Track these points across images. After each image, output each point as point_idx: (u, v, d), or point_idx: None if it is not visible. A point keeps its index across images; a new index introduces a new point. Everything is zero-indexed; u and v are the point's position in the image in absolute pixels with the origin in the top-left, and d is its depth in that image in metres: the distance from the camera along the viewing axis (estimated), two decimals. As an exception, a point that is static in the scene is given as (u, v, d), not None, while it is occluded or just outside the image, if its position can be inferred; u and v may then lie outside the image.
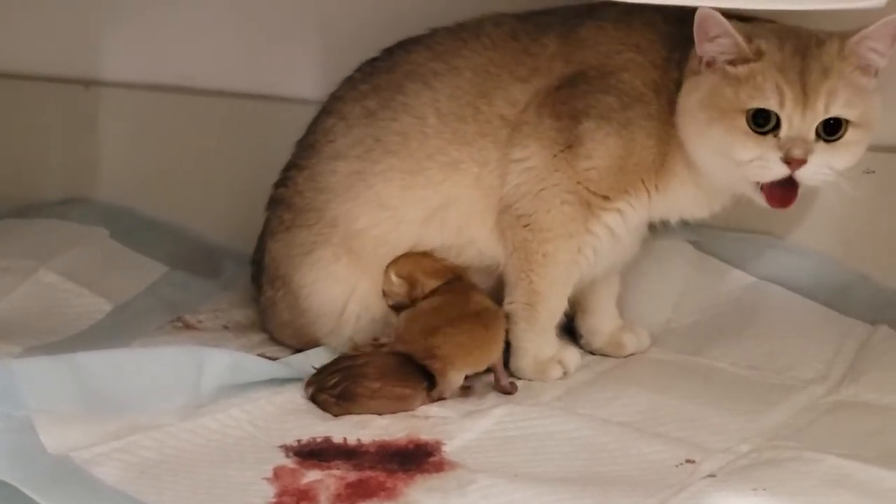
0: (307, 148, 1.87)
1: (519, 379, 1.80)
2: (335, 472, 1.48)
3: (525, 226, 1.77)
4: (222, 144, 2.29)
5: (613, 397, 1.71)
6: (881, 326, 1.91)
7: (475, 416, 1.64)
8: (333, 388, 1.66)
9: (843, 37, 1.64)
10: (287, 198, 1.87)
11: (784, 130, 1.62)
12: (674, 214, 1.83)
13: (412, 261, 1.79)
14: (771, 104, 1.61)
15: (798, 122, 1.61)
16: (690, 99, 1.69)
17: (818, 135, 1.62)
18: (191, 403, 1.61)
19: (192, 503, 1.40)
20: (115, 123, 2.36)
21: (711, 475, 1.47)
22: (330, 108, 1.87)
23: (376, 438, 1.57)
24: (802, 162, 1.61)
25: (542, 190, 1.76)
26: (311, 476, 1.46)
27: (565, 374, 1.82)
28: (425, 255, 1.80)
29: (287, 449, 1.54)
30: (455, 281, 1.79)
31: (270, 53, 2.27)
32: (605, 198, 1.76)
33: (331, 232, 1.82)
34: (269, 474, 1.47)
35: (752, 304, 1.99)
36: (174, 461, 1.49)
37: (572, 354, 1.84)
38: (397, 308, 1.79)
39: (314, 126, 1.89)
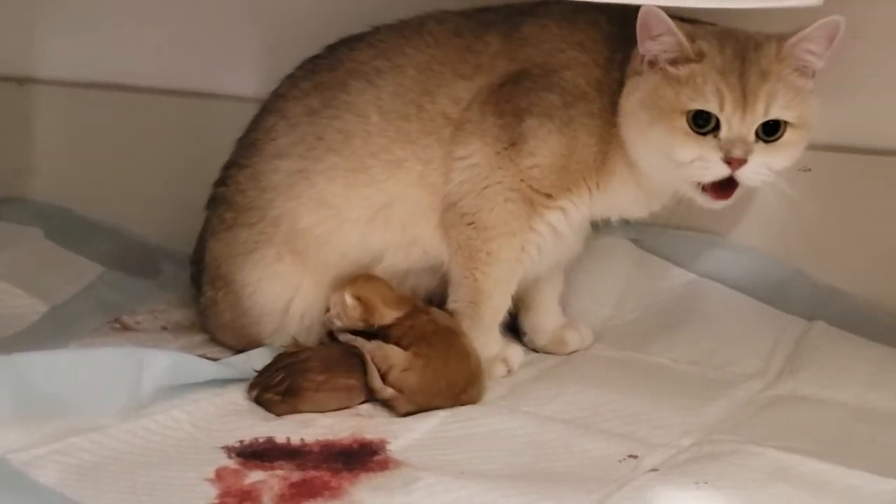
0: (248, 147, 1.86)
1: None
2: (279, 472, 1.47)
3: (469, 224, 1.77)
4: (160, 143, 2.26)
5: (557, 395, 1.72)
6: (818, 322, 1.94)
7: (420, 417, 1.64)
8: (278, 386, 1.65)
9: (781, 39, 1.65)
10: (228, 196, 1.85)
11: (724, 132, 1.63)
12: (615, 213, 1.84)
13: (372, 286, 1.75)
14: (711, 106, 1.63)
15: (738, 124, 1.63)
16: (632, 99, 1.70)
17: (757, 135, 1.64)
18: (131, 405, 1.59)
19: (132, 505, 1.38)
20: (50, 122, 2.33)
21: (654, 470, 1.49)
22: (271, 106, 1.86)
23: (320, 438, 1.56)
24: (743, 162, 1.63)
25: (485, 188, 1.76)
26: (254, 477, 1.45)
27: (509, 371, 1.82)
28: (382, 281, 1.78)
29: (229, 450, 1.53)
30: (416, 313, 1.75)
31: (209, 50, 2.25)
32: (548, 196, 1.76)
33: (274, 231, 1.80)
34: (211, 475, 1.45)
35: (692, 301, 2.01)
36: (114, 463, 1.47)
37: (516, 352, 1.85)
38: (339, 332, 1.75)
39: (255, 124, 1.87)
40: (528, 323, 1.94)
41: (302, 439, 1.56)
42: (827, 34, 1.64)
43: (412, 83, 1.78)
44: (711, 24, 1.72)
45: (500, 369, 1.81)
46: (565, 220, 1.78)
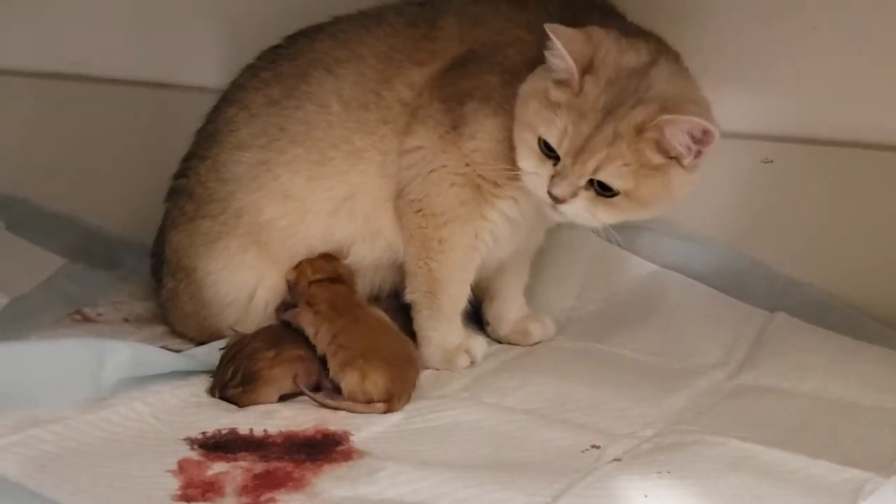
0: (208, 138, 1.85)
1: (427, 369, 1.80)
2: (242, 463, 1.46)
3: (417, 211, 1.77)
4: (119, 134, 2.25)
5: (519, 386, 1.73)
6: (779, 313, 1.95)
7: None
8: (234, 378, 1.64)
9: (665, 107, 1.57)
10: (189, 188, 1.84)
11: (558, 167, 1.63)
12: None
13: (314, 259, 1.79)
14: (553, 141, 1.62)
15: (569, 168, 1.61)
16: (524, 88, 1.68)
17: (592, 183, 1.62)
18: (92, 396, 1.57)
19: (93, 497, 1.37)
20: (9, 112, 2.31)
21: (616, 459, 1.49)
22: (231, 97, 1.85)
23: (283, 429, 1.56)
24: (562, 201, 1.63)
25: (431, 172, 1.76)
26: (217, 468, 1.45)
27: (472, 363, 1.82)
28: (329, 256, 1.79)
29: (192, 441, 1.52)
30: (335, 284, 1.77)
31: (167, 40, 2.24)
32: (496, 184, 1.75)
33: (236, 223, 1.79)
34: (174, 467, 1.44)
35: (653, 292, 2.03)
36: (75, 455, 1.45)
37: (479, 343, 1.85)
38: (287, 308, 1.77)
39: (214, 115, 1.86)
40: (491, 312, 1.94)
41: (265, 430, 1.55)
42: (698, 136, 1.57)
43: (372, 72, 1.78)
44: (648, 35, 1.69)
45: (463, 360, 1.81)
46: (517, 209, 1.78)
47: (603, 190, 1.61)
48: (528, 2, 1.77)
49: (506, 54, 1.74)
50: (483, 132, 1.74)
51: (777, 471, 1.45)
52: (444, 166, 1.76)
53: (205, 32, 2.21)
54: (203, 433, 1.54)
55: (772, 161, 1.93)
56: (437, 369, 1.80)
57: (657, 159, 1.59)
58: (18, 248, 2.13)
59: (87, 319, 1.94)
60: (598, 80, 1.60)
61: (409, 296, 1.82)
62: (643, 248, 2.06)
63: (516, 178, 1.69)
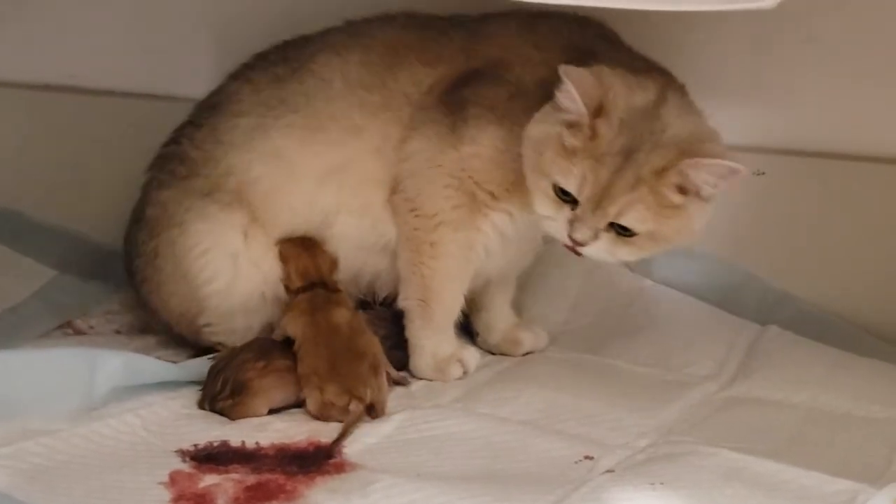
0: (209, 108, 1.86)
1: (419, 379, 1.80)
2: (233, 475, 1.46)
3: (412, 210, 1.78)
4: (111, 145, 2.24)
5: (513, 396, 1.72)
6: (771, 326, 1.96)
7: (376, 421, 1.64)
8: (224, 390, 1.64)
9: (683, 152, 1.58)
10: (181, 153, 1.84)
11: (578, 211, 1.62)
12: None
13: (296, 248, 1.79)
14: (571, 188, 1.61)
15: (589, 214, 1.61)
16: (533, 130, 1.67)
17: (612, 224, 1.62)
18: (83, 406, 1.57)
19: (84, 509, 1.36)
20: (1, 124, 2.30)
21: (610, 471, 1.49)
22: (238, 74, 1.87)
23: (275, 441, 1.56)
24: (582, 244, 1.63)
25: (427, 169, 1.77)
26: (209, 480, 1.44)
27: (465, 373, 1.82)
28: (313, 250, 1.80)
29: (183, 453, 1.51)
30: (315, 287, 1.78)
31: (160, 52, 2.24)
32: (491, 195, 1.76)
33: (225, 181, 1.79)
34: (165, 479, 1.44)
35: (646, 306, 2.03)
36: (66, 467, 1.45)
37: (472, 354, 1.85)
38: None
39: (218, 90, 1.88)
40: (479, 323, 1.95)
41: (257, 443, 1.55)
42: (726, 176, 1.58)
43: (378, 58, 1.80)
44: (650, 70, 1.69)
45: (455, 370, 1.81)
46: (511, 224, 1.78)
47: (623, 231, 1.61)
48: (539, 26, 1.78)
49: (512, 70, 1.75)
50: (484, 138, 1.74)
51: (770, 482, 1.45)
52: (440, 166, 1.76)
53: (198, 44, 2.21)
54: (195, 445, 1.53)
55: (764, 173, 1.93)
56: (430, 379, 1.80)
57: (678, 199, 1.60)
58: (9, 259, 2.12)
59: (77, 332, 1.94)
60: (612, 123, 1.59)
61: (402, 303, 1.82)
62: (637, 264, 2.05)
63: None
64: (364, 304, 1.87)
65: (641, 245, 1.63)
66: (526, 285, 2.00)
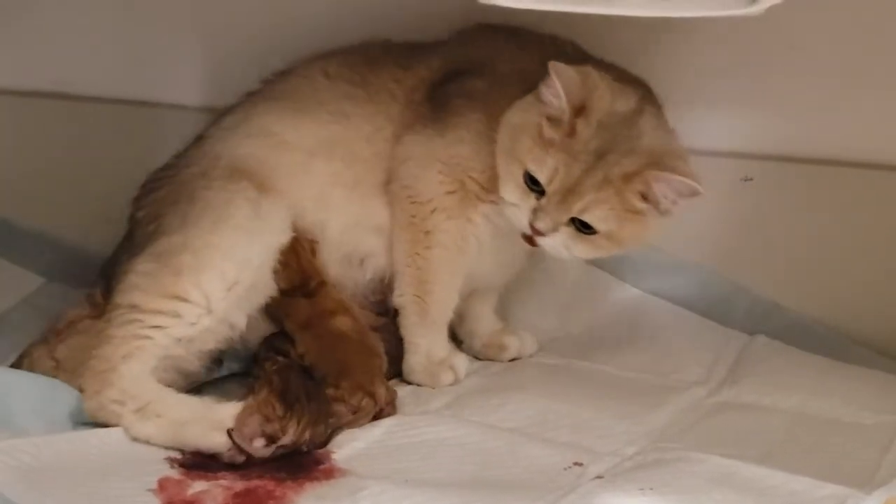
0: (197, 140, 1.86)
1: (409, 383, 1.81)
2: (222, 482, 1.46)
3: (408, 196, 1.80)
4: (100, 152, 2.23)
5: (502, 403, 1.72)
6: (759, 336, 1.97)
7: (365, 426, 1.63)
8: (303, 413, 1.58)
9: (651, 163, 1.63)
10: (175, 164, 1.84)
11: (543, 201, 1.66)
12: None
13: (298, 253, 1.78)
14: (542, 178, 1.66)
15: (554, 204, 1.65)
16: (512, 117, 1.71)
17: (573, 220, 1.66)
18: (70, 420, 1.57)
19: (72, 514, 1.36)
20: (-11, 131, 2.29)
21: (599, 477, 1.49)
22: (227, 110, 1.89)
23: (264, 447, 1.55)
24: (542, 234, 1.67)
25: (420, 156, 1.79)
26: (198, 487, 1.44)
27: (456, 379, 1.82)
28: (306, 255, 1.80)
29: (172, 460, 1.51)
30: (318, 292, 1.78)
31: (149, 59, 2.23)
32: (481, 186, 1.78)
33: (215, 164, 1.78)
34: (154, 486, 1.44)
35: (636, 316, 2.04)
36: (54, 472, 1.44)
37: (462, 360, 1.85)
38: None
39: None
40: (463, 330, 1.95)
41: (246, 449, 1.55)
42: (686, 195, 1.63)
43: (359, 59, 1.85)
44: (641, 84, 1.73)
45: (447, 376, 1.81)
46: (501, 216, 1.78)
47: (584, 228, 1.66)
48: (527, 45, 1.82)
49: (495, 66, 1.80)
50: (466, 123, 1.77)
51: (759, 487, 1.46)
52: (432, 152, 1.79)
53: (187, 51, 2.21)
54: (183, 452, 1.53)
55: (751, 179, 1.93)
56: (420, 384, 1.81)
57: (640, 206, 1.65)
58: (-3, 267, 2.12)
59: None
60: (590, 124, 1.64)
61: (398, 299, 1.83)
62: (625, 273, 2.06)
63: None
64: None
65: (598, 244, 1.68)
66: (517, 293, 2.00)
